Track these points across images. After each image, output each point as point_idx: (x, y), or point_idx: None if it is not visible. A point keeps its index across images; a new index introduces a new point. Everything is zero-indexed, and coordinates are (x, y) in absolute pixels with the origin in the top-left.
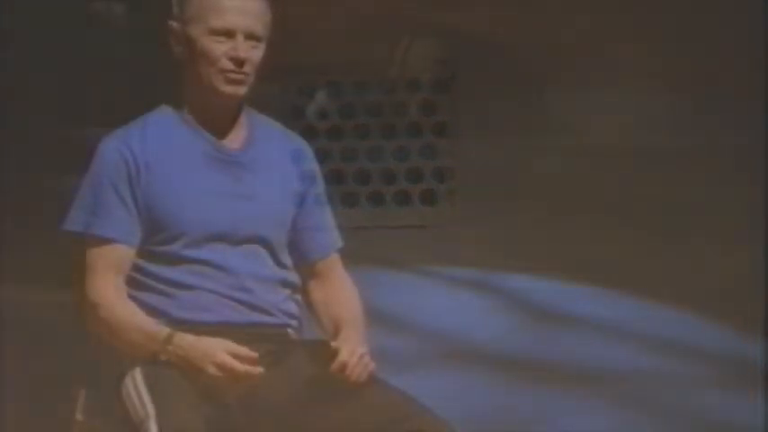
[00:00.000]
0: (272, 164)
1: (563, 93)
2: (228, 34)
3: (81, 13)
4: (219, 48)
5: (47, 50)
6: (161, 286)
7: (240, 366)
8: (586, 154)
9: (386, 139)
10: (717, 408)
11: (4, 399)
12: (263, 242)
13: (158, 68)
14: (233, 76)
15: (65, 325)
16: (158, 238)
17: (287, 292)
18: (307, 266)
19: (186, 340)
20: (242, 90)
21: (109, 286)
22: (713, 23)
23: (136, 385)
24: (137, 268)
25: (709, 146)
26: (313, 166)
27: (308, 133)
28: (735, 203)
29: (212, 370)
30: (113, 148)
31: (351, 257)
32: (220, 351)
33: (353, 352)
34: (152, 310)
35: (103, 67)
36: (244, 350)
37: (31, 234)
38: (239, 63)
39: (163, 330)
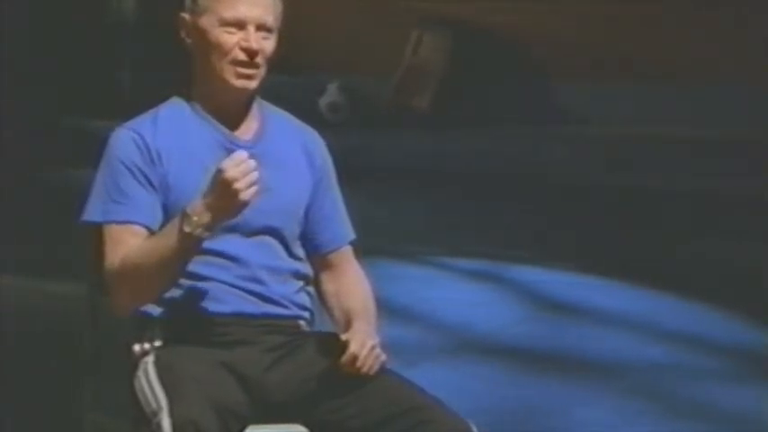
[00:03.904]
0: (285, 155)
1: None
2: (240, 25)
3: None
4: (231, 39)
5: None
6: None
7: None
8: (592, 143)
9: None
10: (729, 399)
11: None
12: (276, 234)
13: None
14: (244, 70)
15: (72, 316)
16: None
17: (299, 283)
18: (319, 258)
19: (197, 202)
20: (253, 84)
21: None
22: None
23: (148, 377)
24: None
25: (717, 138)
26: (326, 157)
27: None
28: (746, 196)
29: (241, 186)
30: (126, 136)
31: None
32: (224, 174)
33: (364, 344)
34: (165, 301)
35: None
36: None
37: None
38: (251, 54)
39: (174, 219)
